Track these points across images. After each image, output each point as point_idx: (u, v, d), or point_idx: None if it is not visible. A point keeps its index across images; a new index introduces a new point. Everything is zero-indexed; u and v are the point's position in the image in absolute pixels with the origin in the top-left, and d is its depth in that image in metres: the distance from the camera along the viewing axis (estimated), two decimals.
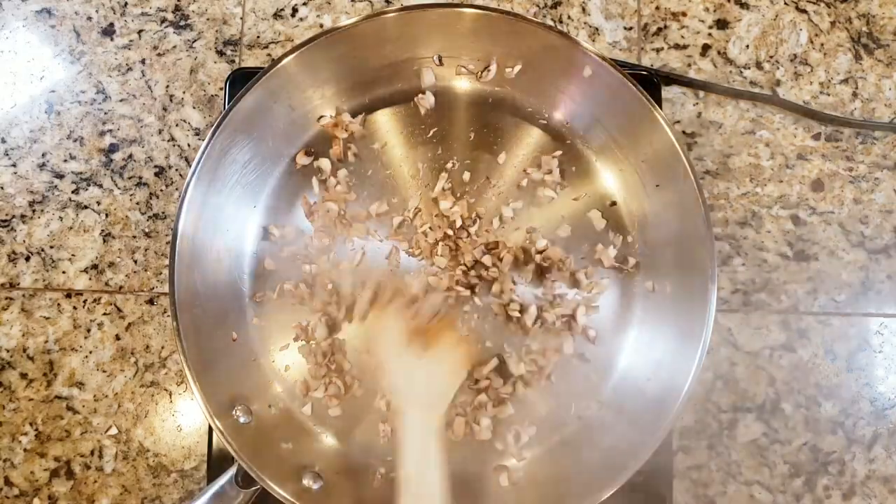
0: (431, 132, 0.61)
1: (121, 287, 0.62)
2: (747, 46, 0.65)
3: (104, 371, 0.61)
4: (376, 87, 0.60)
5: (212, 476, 0.58)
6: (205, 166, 0.54)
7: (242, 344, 0.58)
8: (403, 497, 0.43)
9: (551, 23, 0.65)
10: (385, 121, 0.61)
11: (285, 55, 0.54)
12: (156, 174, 0.63)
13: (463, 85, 0.61)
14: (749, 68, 0.65)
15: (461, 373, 0.53)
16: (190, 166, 0.63)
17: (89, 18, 0.66)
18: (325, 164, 0.60)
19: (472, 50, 0.59)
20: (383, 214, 0.60)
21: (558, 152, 0.60)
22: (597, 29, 0.65)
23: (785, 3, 0.66)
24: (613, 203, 0.60)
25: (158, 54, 0.65)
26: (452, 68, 0.60)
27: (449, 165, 0.60)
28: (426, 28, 0.57)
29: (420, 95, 0.61)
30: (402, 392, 0.49)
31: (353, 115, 0.60)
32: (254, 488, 0.51)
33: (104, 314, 0.62)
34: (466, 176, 0.60)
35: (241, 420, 0.54)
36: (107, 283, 0.62)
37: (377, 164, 0.61)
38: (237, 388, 0.55)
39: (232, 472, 0.52)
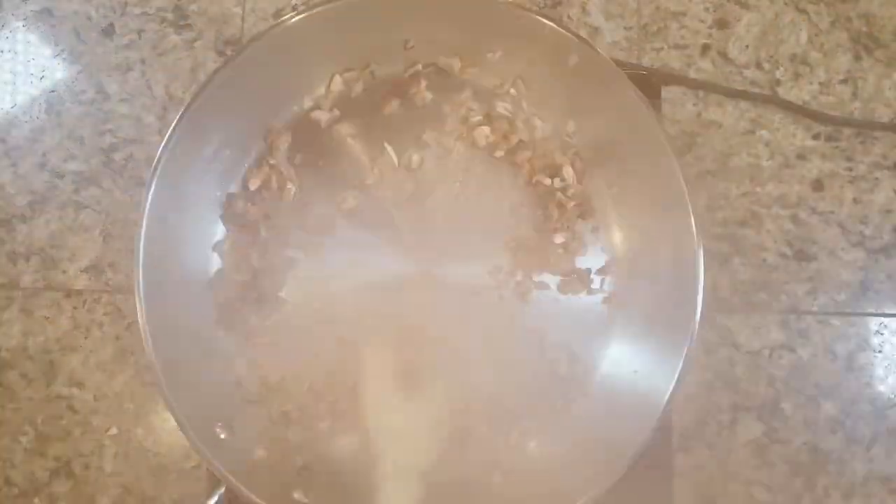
0: (410, 121, 0.59)
1: (121, 287, 0.62)
2: (747, 46, 0.65)
3: (104, 371, 0.61)
4: (350, 72, 0.58)
5: (212, 476, 0.58)
6: (170, 159, 0.51)
7: (219, 354, 0.56)
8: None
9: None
10: (360, 108, 0.59)
11: (251, 41, 0.52)
12: None
13: (442, 71, 0.60)
14: (749, 68, 0.65)
15: (445, 426, 0.51)
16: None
17: (89, 18, 0.66)
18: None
19: (451, 35, 0.57)
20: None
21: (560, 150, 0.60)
22: (597, 29, 0.65)
23: (785, 3, 0.66)
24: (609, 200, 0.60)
25: (158, 54, 0.65)
26: (432, 53, 0.59)
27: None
28: (403, 12, 0.55)
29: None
30: (383, 438, 0.47)
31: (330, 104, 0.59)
32: None
33: (104, 314, 0.62)
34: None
35: (223, 436, 0.52)
36: (107, 283, 0.62)
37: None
38: (218, 405, 0.54)
39: (220, 492, 0.50)
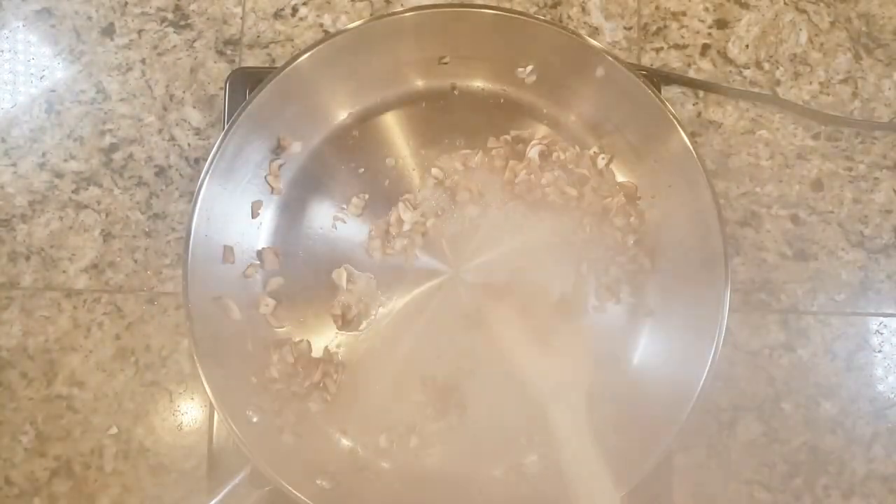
0: (443, 134, 0.61)
1: (121, 287, 0.62)
2: (747, 46, 0.65)
3: (104, 370, 0.61)
4: (387, 87, 0.60)
5: (212, 475, 0.58)
6: (218, 166, 0.54)
7: (255, 346, 0.57)
8: (572, 484, 0.45)
9: (552, 21, 0.65)
10: (395, 122, 0.61)
11: (300, 54, 0.54)
12: (156, 174, 0.63)
13: (476, 85, 0.61)
14: (749, 68, 0.65)
15: (589, 359, 0.54)
16: (190, 166, 0.63)
17: (89, 18, 0.66)
18: None
19: (485, 51, 0.59)
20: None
21: (571, 153, 0.60)
22: (596, 29, 0.65)
23: (785, 3, 0.66)
24: (626, 204, 0.60)
25: (158, 54, 0.65)
26: (465, 68, 0.60)
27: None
28: (439, 28, 0.57)
29: None
30: (540, 389, 0.51)
31: (364, 117, 0.61)
32: (266, 488, 0.51)
33: (104, 314, 0.62)
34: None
35: (254, 420, 0.54)
36: (107, 283, 0.62)
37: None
38: (250, 390, 0.55)
39: (245, 472, 0.51)
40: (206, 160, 0.54)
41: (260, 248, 0.59)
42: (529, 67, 0.59)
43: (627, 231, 0.59)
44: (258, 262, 0.59)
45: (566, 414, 0.51)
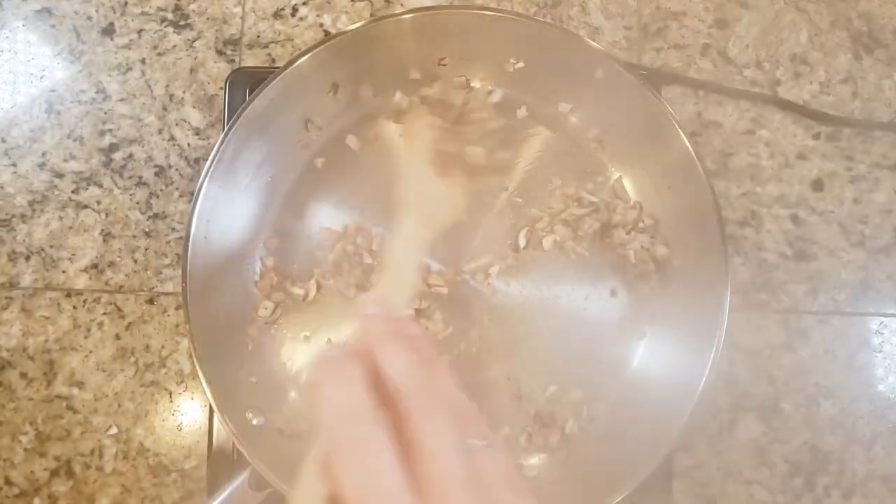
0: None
1: (121, 286, 0.62)
2: (747, 46, 0.65)
3: (104, 370, 0.61)
4: (388, 89, 0.60)
5: (212, 476, 0.58)
6: (218, 167, 0.54)
7: (255, 348, 0.57)
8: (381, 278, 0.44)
9: (551, 22, 0.65)
10: (396, 125, 0.61)
11: (300, 55, 0.54)
12: (156, 174, 0.63)
13: (475, 87, 0.61)
14: (749, 68, 0.65)
15: (462, 210, 0.51)
16: (190, 166, 0.63)
17: (89, 18, 0.66)
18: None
19: (484, 52, 0.59)
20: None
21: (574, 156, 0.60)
22: (596, 28, 0.65)
23: (785, 3, 0.66)
24: (626, 206, 0.60)
25: (158, 54, 0.65)
26: (465, 70, 0.60)
27: None
28: (439, 30, 0.57)
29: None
30: (407, 201, 0.48)
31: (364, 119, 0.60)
32: (267, 491, 0.51)
33: (104, 314, 0.62)
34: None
35: (255, 422, 0.54)
36: (107, 283, 0.62)
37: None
38: (250, 392, 0.55)
39: (245, 475, 0.51)
40: (206, 160, 0.54)
41: (260, 250, 0.59)
42: (520, 64, 0.59)
43: (630, 236, 0.59)
44: (258, 265, 0.59)
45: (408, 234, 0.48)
